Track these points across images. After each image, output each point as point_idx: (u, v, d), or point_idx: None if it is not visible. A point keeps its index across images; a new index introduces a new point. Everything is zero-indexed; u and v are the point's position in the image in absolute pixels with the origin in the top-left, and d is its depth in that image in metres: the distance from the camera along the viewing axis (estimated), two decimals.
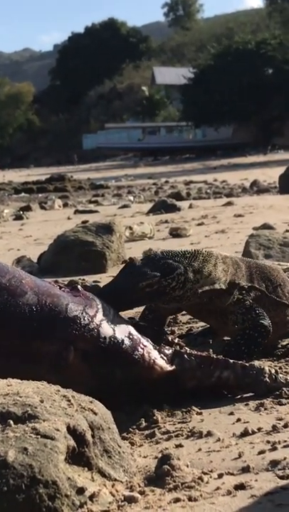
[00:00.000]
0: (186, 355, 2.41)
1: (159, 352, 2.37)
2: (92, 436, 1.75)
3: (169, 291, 2.65)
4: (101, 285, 4.81)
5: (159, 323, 3.03)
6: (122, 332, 2.31)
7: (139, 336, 2.36)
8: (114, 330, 2.30)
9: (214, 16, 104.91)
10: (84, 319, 2.26)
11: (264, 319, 2.80)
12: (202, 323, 3.51)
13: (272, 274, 3.03)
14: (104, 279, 5.38)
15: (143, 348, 2.32)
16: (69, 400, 1.82)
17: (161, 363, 2.34)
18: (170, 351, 2.40)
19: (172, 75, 64.43)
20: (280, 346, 3.01)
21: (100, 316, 2.30)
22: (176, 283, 2.66)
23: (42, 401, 1.75)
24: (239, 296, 2.85)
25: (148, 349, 2.33)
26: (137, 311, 4.00)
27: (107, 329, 2.28)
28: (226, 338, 3.23)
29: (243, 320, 2.81)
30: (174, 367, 2.37)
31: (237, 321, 2.82)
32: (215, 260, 2.82)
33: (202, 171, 26.66)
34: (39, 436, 1.60)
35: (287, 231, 7.24)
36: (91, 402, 1.88)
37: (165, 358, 2.37)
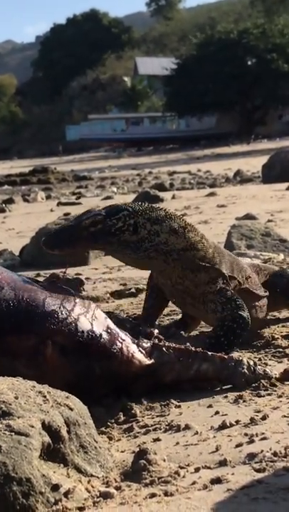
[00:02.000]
0: (164, 348, 2.40)
1: (138, 345, 2.36)
2: (68, 432, 1.74)
3: (116, 232, 2.64)
4: (83, 277, 4.82)
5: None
6: (100, 326, 2.30)
7: (118, 329, 2.35)
8: (92, 324, 2.29)
9: (197, 5, 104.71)
10: (61, 313, 2.24)
11: (243, 311, 2.79)
12: (177, 317, 3.51)
13: (243, 266, 3.05)
14: (86, 271, 5.37)
15: (121, 342, 2.31)
16: (44, 396, 1.81)
17: (140, 356, 2.33)
18: (148, 344, 2.39)
19: (155, 66, 64.39)
20: (258, 338, 3.01)
21: (77, 310, 2.29)
22: (122, 224, 2.65)
23: (17, 397, 1.74)
24: (222, 285, 2.84)
25: (126, 343, 2.32)
26: (118, 304, 4.00)
27: (84, 323, 2.27)
28: (198, 331, 3.25)
29: (222, 309, 2.79)
30: (152, 360, 2.36)
31: (216, 309, 2.81)
32: (200, 235, 2.86)
33: (186, 161, 26.67)
34: (13, 434, 1.59)
35: (269, 221, 7.25)
36: (67, 397, 1.87)
37: (143, 351, 2.36)
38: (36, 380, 1.94)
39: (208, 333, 2.85)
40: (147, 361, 2.34)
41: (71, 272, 5.17)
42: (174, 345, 2.46)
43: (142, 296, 4.15)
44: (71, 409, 1.81)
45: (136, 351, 2.33)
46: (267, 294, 3.15)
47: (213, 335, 2.78)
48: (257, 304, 3.06)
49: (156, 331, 2.48)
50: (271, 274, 3.34)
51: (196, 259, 2.79)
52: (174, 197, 11.33)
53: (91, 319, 2.29)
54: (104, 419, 2.18)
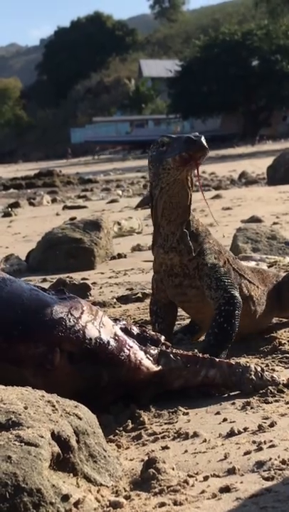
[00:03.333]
0: (172, 355, 2.41)
1: (145, 352, 2.36)
2: (77, 441, 1.75)
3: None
4: (89, 282, 4.83)
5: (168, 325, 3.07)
6: (108, 333, 2.31)
7: (125, 336, 2.35)
8: (99, 331, 2.29)
9: (200, 7, 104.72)
10: (69, 321, 2.25)
11: (235, 289, 2.86)
12: (184, 322, 3.52)
13: (228, 250, 3.15)
14: (92, 275, 5.38)
15: (129, 349, 2.32)
16: (53, 406, 1.81)
17: (148, 363, 2.34)
18: (156, 351, 2.40)
19: (159, 68, 64.49)
20: (265, 344, 3.01)
21: (85, 317, 2.29)
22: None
23: (26, 407, 1.74)
24: (214, 260, 2.89)
25: (134, 350, 2.33)
26: (124, 309, 4.01)
27: (92, 331, 2.27)
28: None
29: (216, 286, 2.83)
30: (160, 367, 2.36)
31: (211, 285, 2.84)
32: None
33: None
34: (23, 444, 1.60)
35: (275, 223, 7.25)
36: (76, 406, 1.87)
37: (151, 358, 2.37)
38: (45, 389, 1.95)
39: (211, 325, 2.84)
40: (155, 368, 2.35)
41: (77, 276, 5.18)
42: (181, 351, 2.46)
43: (148, 301, 4.15)
44: (80, 418, 1.82)
45: (144, 358, 2.33)
46: (263, 288, 3.18)
47: (215, 324, 2.80)
48: (252, 294, 3.09)
49: (163, 338, 2.49)
50: (285, 276, 3.37)
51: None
52: None
53: (99, 326, 2.30)
54: (113, 427, 2.19)
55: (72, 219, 7.68)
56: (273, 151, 24.49)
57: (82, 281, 4.74)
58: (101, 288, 4.84)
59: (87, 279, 5.13)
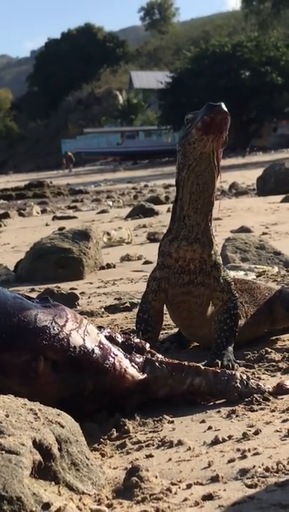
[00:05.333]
0: (157, 363, 2.40)
1: (130, 360, 2.35)
2: (60, 449, 1.73)
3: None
4: (77, 292, 4.81)
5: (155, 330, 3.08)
6: (92, 341, 2.29)
7: (110, 344, 2.34)
8: (84, 339, 2.28)
9: (191, 19, 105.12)
10: (53, 329, 2.24)
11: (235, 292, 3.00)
12: (172, 331, 3.51)
13: None
14: (81, 285, 5.36)
15: (114, 357, 2.30)
16: (36, 414, 1.80)
17: (133, 371, 2.33)
18: (141, 359, 2.38)
19: (150, 79, 64.68)
20: (252, 352, 3.01)
21: (69, 325, 2.28)
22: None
23: (7, 415, 1.73)
24: (223, 273, 2.97)
25: (119, 358, 2.32)
26: (112, 318, 3.99)
27: (76, 339, 2.26)
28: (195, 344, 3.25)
29: (228, 289, 2.94)
30: (145, 375, 2.35)
31: (224, 288, 2.93)
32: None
33: None
34: (3, 452, 1.58)
35: (264, 233, 7.26)
36: (58, 414, 1.86)
37: (136, 366, 2.35)
38: (29, 397, 1.93)
39: (219, 326, 2.92)
40: (140, 376, 2.33)
41: (66, 286, 5.17)
42: (166, 359, 2.45)
43: (136, 310, 4.14)
44: (62, 426, 1.80)
45: (129, 366, 2.32)
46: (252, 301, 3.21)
47: (223, 325, 2.92)
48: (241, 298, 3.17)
49: (148, 346, 2.48)
50: (280, 290, 3.39)
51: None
52: (169, 210, 11.33)
53: (83, 334, 2.28)
54: (97, 436, 2.18)
55: (61, 229, 7.67)
56: (263, 163, 24.56)
57: (70, 291, 4.73)
58: (89, 298, 4.83)
59: (75, 288, 5.12)
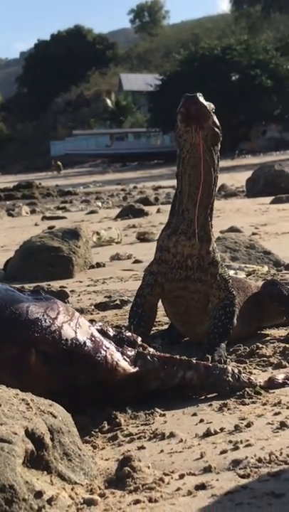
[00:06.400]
0: (149, 356, 2.39)
1: (122, 353, 2.35)
2: (52, 439, 1.73)
3: None
4: (67, 290, 4.80)
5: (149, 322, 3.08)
6: (84, 334, 2.29)
7: (102, 337, 2.34)
8: (76, 332, 2.27)
9: (180, 22, 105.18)
10: (45, 321, 2.23)
11: (232, 289, 3.00)
12: (162, 327, 3.51)
13: None
14: (70, 284, 5.35)
15: (105, 350, 2.30)
16: (28, 404, 1.79)
17: (124, 364, 2.32)
18: (133, 352, 2.38)
19: (139, 82, 64.69)
20: (244, 347, 3.01)
21: (61, 318, 2.28)
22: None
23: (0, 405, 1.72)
24: (221, 270, 2.97)
25: (110, 351, 2.31)
26: (102, 315, 3.99)
27: (68, 331, 2.25)
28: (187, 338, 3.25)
29: (225, 286, 2.95)
30: (137, 368, 2.35)
31: (220, 285, 2.94)
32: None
33: (170, 177, 26.64)
34: None
35: (253, 234, 7.27)
36: (50, 405, 1.85)
37: (128, 359, 2.35)
38: (21, 389, 1.93)
39: (214, 322, 2.92)
40: (132, 369, 2.33)
41: (56, 285, 5.16)
42: (158, 353, 2.45)
43: (127, 307, 4.14)
44: (55, 416, 1.80)
45: (120, 359, 2.32)
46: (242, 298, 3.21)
47: (218, 322, 2.92)
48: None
49: (139, 339, 2.48)
50: (264, 284, 3.38)
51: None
52: (158, 211, 11.35)
53: (75, 327, 2.28)
54: (89, 428, 2.17)
55: (50, 228, 7.66)
56: (252, 165, 24.59)
57: (59, 289, 4.72)
58: (79, 296, 4.82)
59: (65, 287, 5.10)
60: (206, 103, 2.79)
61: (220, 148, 2.95)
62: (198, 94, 2.78)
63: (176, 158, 2.94)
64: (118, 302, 4.30)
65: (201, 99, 2.77)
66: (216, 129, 2.85)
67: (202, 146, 2.80)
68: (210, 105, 2.83)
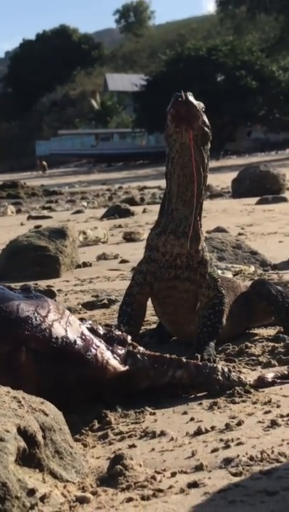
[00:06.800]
0: (139, 355, 2.39)
1: (112, 352, 2.35)
2: (44, 437, 1.72)
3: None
4: (54, 290, 4.79)
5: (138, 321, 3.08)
6: (75, 332, 2.28)
7: (92, 336, 2.33)
8: (66, 330, 2.27)
9: (166, 22, 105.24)
10: (36, 319, 2.23)
11: (222, 288, 2.99)
12: (150, 327, 3.51)
13: None
14: (57, 283, 5.34)
15: (96, 349, 2.29)
16: (19, 401, 1.79)
17: (114, 363, 2.32)
18: (123, 351, 2.38)
19: (125, 82, 64.73)
20: (232, 346, 3.01)
21: (51, 316, 2.27)
22: None
23: None
24: (208, 258, 2.97)
25: (101, 349, 2.31)
26: (90, 315, 3.98)
27: (59, 329, 2.25)
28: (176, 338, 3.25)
29: (214, 285, 2.94)
30: (127, 367, 2.35)
31: (210, 284, 2.93)
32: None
33: (156, 177, 26.69)
34: None
35: (240, 234, 7.27)
36: (42, 403, 1.85)
37: (118, 358, 2.35)
38: (11, 387, 1.92)
39: (203, 321, 2.92)
40: (122, 368, 2.33)
41: (42, 284, 5.15)
42: (148, 352, 2.45)
43: (114, 307, 4.14)
44: (46, 414, 1.79)
45: (110, 358, 2.31)
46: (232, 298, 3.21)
47: (207, 321, 2.91)
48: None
49: (129, 338, 2.47)
50: (252, 283, 3.38)
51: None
52: (144, 211, 11.34)
53: (65, 325, 2.27)
54: (79, 427, 2.16)
55: (37, 227, 7.64)
56: (238, 166, 24.64)
57: (47, 288, 4.71)
58: (66, 295, 4.81)
59: (52, 286, 5.09)
60: (196, 102, 2.80)
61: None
62: (188, 94, 2.78)
63: (166, 157, 2.94)
64: (106, 301, 4.29)
65: (191, 98, 2.78)
66: (206, 129, 2.85)
67: (193, 147, 2.81)
68: (200, 104, 2.83)
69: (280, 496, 1.58)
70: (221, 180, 19.69)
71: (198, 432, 2.06)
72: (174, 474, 1.77)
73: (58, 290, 4.87)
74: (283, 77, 45.33)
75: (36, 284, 5.08)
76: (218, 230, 7.40)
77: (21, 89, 78.24)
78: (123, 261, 6.18)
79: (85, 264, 6.14)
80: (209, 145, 2.92)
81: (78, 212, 12.57)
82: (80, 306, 4.23)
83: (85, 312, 4.10)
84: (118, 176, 31.62)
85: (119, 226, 9.36)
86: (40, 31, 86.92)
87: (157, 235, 2.96)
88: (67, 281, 5.48)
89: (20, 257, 5.76)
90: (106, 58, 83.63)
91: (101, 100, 63.00)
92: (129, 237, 7.74)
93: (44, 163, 45.50)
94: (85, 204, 15.04)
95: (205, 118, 2.85)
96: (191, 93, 2.79)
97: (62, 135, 60.82)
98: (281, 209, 10.24)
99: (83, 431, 2.15)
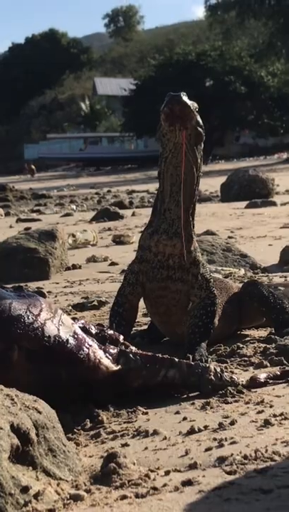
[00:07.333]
0: (131, 355, 2.38)
1: (105, 351, 2.34)
2: (37, 435, 1.71)
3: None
4: (44, 291, 4.78)
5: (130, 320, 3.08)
6: (67, 331, 2.27)
7: (84, 335, 2.32)
8: (58, 329, 2.26)
9: (155, 27, 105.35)
10: (28, 318, 2.22)
11: (214, 288, 2.99)
12: (141, 328, 3.50)
13: None
14: (47, 285, 5.33)
15: (88, 348, 2.28)
16: (12, 399, 1.78)
17: (107, 362, 2.31)
18: (115, 351, 2.37)
19: (114, 86, 64.77)
20: (224, 347, 3.01)
21: (44, 315, 2.26)
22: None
23: None
24: (200, 259, 2.98)
25: (93, 348, 2.30)
26: (80, 316, 3.97)
27: (51, 328, 2.24)
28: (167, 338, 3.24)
29: (206, 286, 2.94)
30: (119, 366, 2.34)
31: (202, 285, 2.93)
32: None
33: (144, 181, 26.72)
34: None
35: (229, 237, 7.28)
36: (35, 401, 1.84)
37: (110, 357, 2.34)
38: (3, 385, 1.91)
39: (194, 322, 2.91)
40: (114, 367, 2.32)
41: (31, 286, 5.13)
42: (140, 351, 2.44)
43: (105, 308, 4.13)
44: (40, 412, 1.78)
45: (103, 357, 2.30)
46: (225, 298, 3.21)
47: (198, 321, 2.91)
48: None
49: (122, 337, 2.47)
50: (244, 284, 3.38)
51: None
52: (134, 214, 11.34)
53: (58, 324, 2.26)
54: (71, 426, 2.15)
55: (26, 229, 7.62)
56: (226, 171, 24.69)
57: (36, 290, 4.69)
58: (56, 297, 4.80)
59: (41, 288, 5.08)
60: (189, 102, 2.80)
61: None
62: (182, 94, 2.78)
63: (159, 157, 2.93)
64: (96, 303, 4.28)
65: (185, 98, 2.78)
66: (200, 129, 2.85)
67: (185, 146, 2.80)
68: (193, 104, 2.83)
69: (275, 494, 1.58)
70: (209, 184, 19.69)
71: (191, 431, 2.06)
72: (167, 473, 1.76)
73: (47, 292, 4.86)
74: (272, 82, 45.42)
75: (26, 285, 5.06)
76: (208, 233, 7.40)
77: (10, 93, 78.10)
78: (113, 263, 6.17)
79: (74, 267, 6.13)
80: (202, 145, 2.92)
81: (67, 215, 12.56)
82: (70, 308, 4.22)
83: (75, 313, 4.09)
84: (107, 180, 31.61)
85: (109, 229, 9.35)
86: (29, 35, 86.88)
87: (150, 235, 2.95)
88: (57, 283, 5.47)
89: (9, 259, 5.74)
90: (95, 62, 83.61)
91: (90, 104, 62.98)
92: (119, 240, 7.73)
93: (33, 166, 45.42)
94: (74, 207, 15.02)
95: (198, 118, 2.85)
96: (185, 93, 2.80)
97: (50, 139, 60.77)
98: (270, 213, 10.27)
99: (75, 430, 2.14)
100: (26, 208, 16.53)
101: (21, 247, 5.81)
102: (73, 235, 7.77)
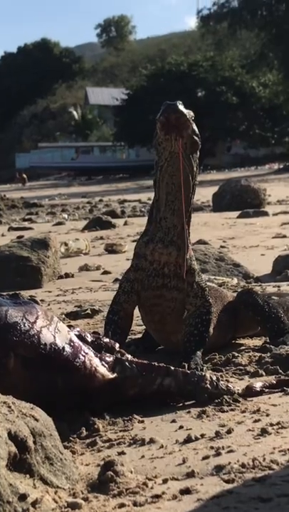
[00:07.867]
0: (127, 363, 2.37)
1: (101, 359, 2.33)
2: (34, 442, 1.70)
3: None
4: (37, 300, 4.76)
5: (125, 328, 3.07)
6: (63, 339, 2.27)
7: (81, 343, 2.31)
8: (54, 337, 2.25)
9: (147, 37, 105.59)
10: (24, 325, 2.21)
11: (209, 297, 2.98)
12: (135, 336, 3.49)
13: None
14: (39, 294, 5.31)
15: (84, 356, 2.28)
16: (9, 406, 1.77)
17: (103, 370, 2.30)
18: (111, 359, 2.36)
19: (105, 96, 64.85)
20: (220, 356, 3.00)
21: (40, 322, 2.25)
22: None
23: None
24: (196, 267, 2.98)
25: (89, 356, 2.29)
26: (74, 324, 3.96)
27: (47, 336, 2.23)
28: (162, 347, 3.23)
29: (201, 295, 2.94)
30: (115, 374, 2.33)
31: (197, 293, 2.93)
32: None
33: (136, 191, 26.72)
34: None
35: (222, 247, 7.28)
36: (32, 408, 1.83)
37: (106, 365, 2.33)
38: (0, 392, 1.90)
39: (190, 330, 2.91)
40: (110, 375, 2.31)
41: (24, 295, 5.11)
42: (136, 359, 2.43)
43: (98, 317, 4.12)
44: (37, 420, 1.77)
45: (99, 365, 2.30)
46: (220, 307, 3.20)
47: (194, 330, 2.91)
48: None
49: (117, 345, 2.46)
50: (239, 293, 3.38)
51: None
52: (126, 223, 11.34)
53: (54, 332, 2.26)
54: (67, 434, 2.14)
55: (19, 237, 7.61)
56: (217, 181, 24.68)
57: (29, 298, 4.68)
58: (49, 305, 4.79)
59: (34, 296, 5.06)
60: (185, 111, 2.80)
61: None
62: (178, 103, 2.79)
63: (154, 165, 2.93)
64: (89, 311, 4.28)
65: (181, 107, 2.78)
66: (196, 137, 2.86)
67: (182, 155, 2.81)
68: (189, 113, 2.84)
69: (275, 503, 1.57)
70: (201, 194, 19.67)
71: (188, 440, 2.05)
72: (165, 481, 1.75)
73: (40, 300, 4.84)
74: (263, 93, 45.60)
75: (19, 293, 5.04)
76: (200, 242, 7.41)
77: (2, 102, 78.10)
78: (105, 272, 6.17)
79: (67, 275, 6.12)
80: (198, 154, 2.92)
81: (59, 223, 12.55)
82: (64, 316, 4.21)
83: (69, 322, 4.07)
84: (98, 189, 31.59)
85: (101, 238, 9.35)
86: (21, 44, 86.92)
87: (145, 243, 2.95)
88: (50, 291, 5.46)
89: (2, 268, 5.73)
90: (87, 72, 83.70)
91: (82, 113, 63.03)
92: (111, 249, 7.73)
93: (24, 175, 45.39)
94: (66, 216, 15.01)
95: (194, 127, 2.86)
96: (181, 102, 2.80)
97: (42, 148, 60.77)
98: (262, 223, 10.28)
99: (71, 438, 2.13)
100: (18, 216, 16.50)
101: (14, 256, 5.80)
102: (66, 244, 7.76)
